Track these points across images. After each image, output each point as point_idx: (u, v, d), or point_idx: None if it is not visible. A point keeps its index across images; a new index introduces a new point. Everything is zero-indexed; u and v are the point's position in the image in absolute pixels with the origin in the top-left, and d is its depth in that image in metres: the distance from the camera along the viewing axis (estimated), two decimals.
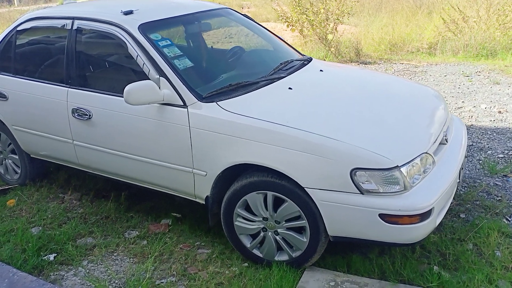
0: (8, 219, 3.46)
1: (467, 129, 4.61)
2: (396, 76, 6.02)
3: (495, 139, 4.33)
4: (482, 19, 8.05)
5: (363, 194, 2.36)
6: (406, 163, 2.38)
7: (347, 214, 2.41)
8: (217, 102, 2.74)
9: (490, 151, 4.09)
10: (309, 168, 2.43)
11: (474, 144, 4.26)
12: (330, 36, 8.03)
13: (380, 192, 2.35)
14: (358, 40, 8.38)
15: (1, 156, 4.05)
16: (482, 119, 4.86)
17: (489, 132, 4.49)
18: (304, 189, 2.46)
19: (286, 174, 2.48)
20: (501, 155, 4.00)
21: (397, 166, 2.34)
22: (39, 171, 3.98)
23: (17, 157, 3.90)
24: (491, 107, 5.17)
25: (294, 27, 8.87)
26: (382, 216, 2.33)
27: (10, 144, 3.89)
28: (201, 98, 2.78)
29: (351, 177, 2.35)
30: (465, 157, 2.96)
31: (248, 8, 18.12)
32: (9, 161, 4.00)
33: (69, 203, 3.68)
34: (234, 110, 2.68)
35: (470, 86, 5.99)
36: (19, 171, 3.96)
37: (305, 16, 8.32)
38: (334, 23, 8.25)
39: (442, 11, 8.48)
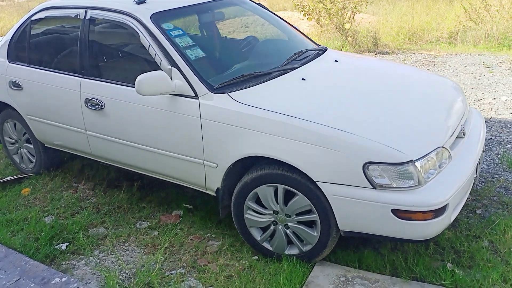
0: (22, 208, 3.50)
1: (486, 122, 4.49)
2: (413, 66, 5.90)
3: None
4: (505, 8, 7.81)
5: (375, 188, 2.30)
6: (420, 158, 2.31)
7: (358, 209, 2.36)
8: (229, 93, 2.71)
9: (510, 145, 3.97)
10: (320, 162, 2.38)
11: (493, 137, 4.14)
12: (347, 26, 7.89)
13: (393, 187, 2.29)
14: (376, 29, 8.22)
15: (17, 145, 4.09)
16: (502, 112, 4.72)
17: (509, 125, 4.36)
18: (315, 183, 2.41)
19: (297, 167, 2.44)
20: None
21: (412, 160, 2.28)
22: (54, 160, 4.02)
23: (32, 146, 3.93)
24: None
25: (310, 16, 8.75)
26: (395, 211, 2.28)
27: (25, 133, 3.92)
28: (213, 89, 2.74)
29: (364, 171, 2.30)
30: (483, 151, 2.87)
31: None
32: (24, 150, 4.04)
33: (82, 193, 3.70)
34: (246, 101, 2.64)
35: (491, 78, 5.82)
36: (34, 160, 4.00)
37: (321, 4, 8.18)
38: (352, 12, 8.10)
39: (464, 0, 8.26)
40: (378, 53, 7.66)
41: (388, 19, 9.13)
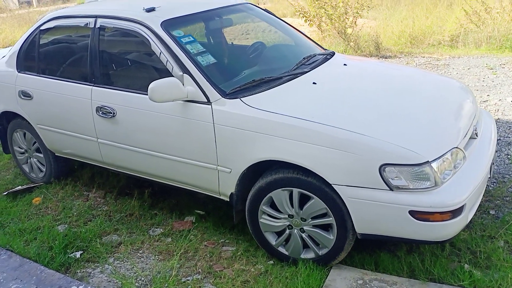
0: (34, 217, 3.50)
1: None
2: (420, 69, 5.92)
3: None
4: (505, 10, 7.85)
5: (392, 190, 2.31)
6: (436, 158, 2.32)
7: (376, 211, 2.36)
8: (241, 98, 2.72)
9: None
10: (336, 165, 2.39)
11: (501, 138, 4.15)
12: (349, 30, 7.93)
13: (410, 189, 2.29)
14: (378, 33, 8.26)
15: (26, 154, 4.10)
16: (508, 113, 4.73)
17: None
18: (331, 186, 2.42)
19: (312, 170, 2.44)
20: None
21: (428, 161, 2.28)
22: (64, 169, 4.02)
23: (42, 155, 3.94)
24: None
25: (312, 22, 8.79)
26: (412, 213, 2.28)
27: (35, 142, 3.93)
28: (225, 95, 2.75)
29: (380, 173, 2.30)
30: (495, 151, 2.87)
31: (264, 3, 18.05)
32: (34, 159, 4.04)
33: (94, 201, 3.70)
34: (259, 106, 2.65)
35: (495, 79, 5.84)
36: (44, 170, 4.00)
37: (323, 10, 8.22)
38: (354, 17, 8.14)
39: (464, 3, 8.30)
40: (380, 57, 7.69)
41: (389, 24, 9.17)
